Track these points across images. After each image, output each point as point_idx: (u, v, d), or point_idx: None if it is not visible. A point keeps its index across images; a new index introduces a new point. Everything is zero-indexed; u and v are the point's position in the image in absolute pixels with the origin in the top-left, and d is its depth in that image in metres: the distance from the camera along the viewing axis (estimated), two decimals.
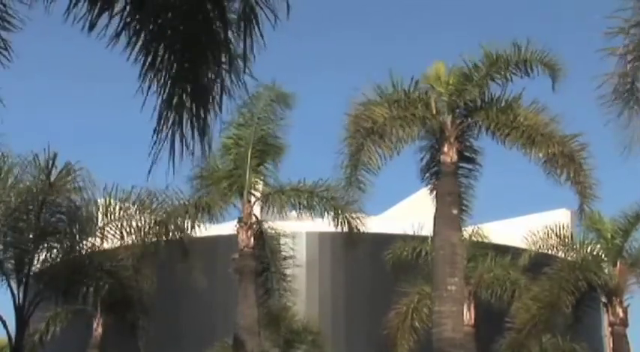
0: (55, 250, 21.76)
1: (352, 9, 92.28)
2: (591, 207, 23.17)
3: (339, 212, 25.62)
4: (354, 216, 25.66)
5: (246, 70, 7.04)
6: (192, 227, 25.34)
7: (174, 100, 7.27)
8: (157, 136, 7.16)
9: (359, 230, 25.74)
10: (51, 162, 21.35)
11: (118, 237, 22.68)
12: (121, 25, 6.95)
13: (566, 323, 28.14)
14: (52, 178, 21.26)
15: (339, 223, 25.78)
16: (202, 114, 7.31)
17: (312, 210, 26.11)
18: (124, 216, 22.64)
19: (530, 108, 22.26)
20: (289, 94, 26.23)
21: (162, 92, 7.24)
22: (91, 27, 6.89)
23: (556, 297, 26.46)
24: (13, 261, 21.42)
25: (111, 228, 22.56)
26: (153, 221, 23.30)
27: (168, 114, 7.25)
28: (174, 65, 7.21)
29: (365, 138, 21.73)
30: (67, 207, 21.65)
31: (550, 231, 28.51)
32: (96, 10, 6.88)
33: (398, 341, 29.86)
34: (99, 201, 22.48)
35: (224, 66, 7.22)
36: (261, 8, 6.91)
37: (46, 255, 21.77)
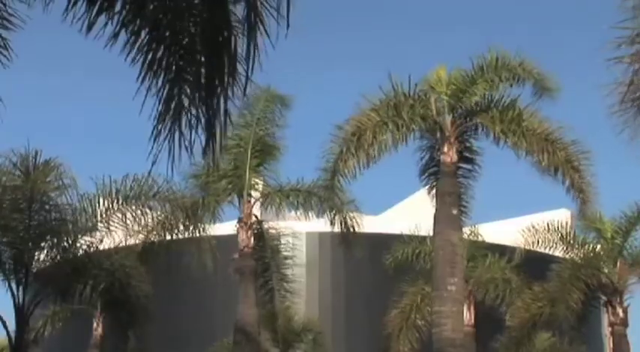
0: (53, 249, 21.73)
1: (353, 8, 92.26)
2: (590, 211, 23.35)
3: (336, 212, 25.68)
4: (350, 216, 25.72)
5: (249, 72, 6.98)
6: (192, 226, 25.36)
7: (174, 101, 7.26)
8: (156, 137, 7.15)
9: (354, 230, 25.81)
10: (33, 159, 21.34)
11: (116, 230, 22.58)
12: (119, 25, 6.94)
13: (571, 322, 28.09)
14: (34, 175, 21.24)
15: (336, 223, 25.84)
16: (202, 115, 7.29)
17: (310, 209, 26.16)
18: (119, 209, 22.54)
19: (532, 112, 22.25)
20: (285, 96, 26.34)
21: (161, 93, 7.23)
22: (90, 27, 6.88)
23: (565, 296, 26.44)
24: (12, 261, 21.40)
25: (110, 222, 22.47)
26: (151, 216, 23.27)
27: (167, 115, 7.23)
28: (173, 66, 7.20)
29: (346, 144, 21.80)
30: (56, 203, 21.64)
31: (551, 227, 28.49)
32: (94, 11, 6.87)
33: (401, 339, 29.82)
34: (91, 195, 22.41)
35: (224, 67, 7.20)
36: (267, 10, 6.84)
37: (44, 254, 21.74)
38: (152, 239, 24.67)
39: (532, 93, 21.90)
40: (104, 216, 22.38)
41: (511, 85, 22.11)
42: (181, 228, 24.83)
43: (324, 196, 25.47)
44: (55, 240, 21.70)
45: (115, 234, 22.93)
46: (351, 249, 26.93)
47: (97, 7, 6.85)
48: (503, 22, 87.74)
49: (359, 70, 79.66)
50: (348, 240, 26.27)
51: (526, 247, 29.00)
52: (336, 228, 26.04)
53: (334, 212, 25.71)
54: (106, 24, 6.89)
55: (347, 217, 25.75)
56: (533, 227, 28.73)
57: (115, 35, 6.93)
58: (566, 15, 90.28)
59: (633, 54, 12.64)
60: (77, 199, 21.97)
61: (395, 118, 21.74)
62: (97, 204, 22.37)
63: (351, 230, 25.83)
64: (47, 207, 21.50)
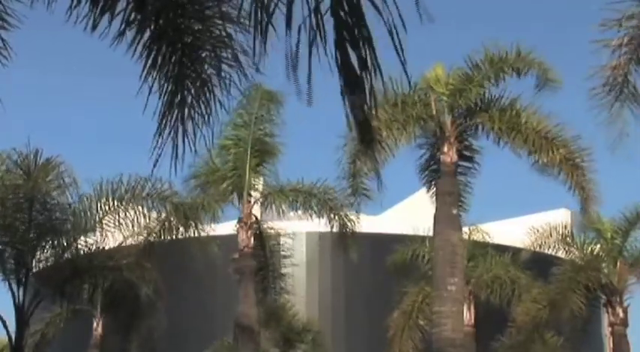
0: (54, 249, 21.73)
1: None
2: (593, 209, 23.31)
3: (335, 212, 25.71)
4: (350, 216, 25.74)
5: (255, 67, 6.86)
6: (192, 226, 25.36)
7: (177, 98, 7.27)
8: (159, 134, 7.16)
9: (353, 231, 25.85)
10: (33, 158, 21.36)
11: (115, 230, 22.58)
12: (124, 24, 6.95)
13: (572, 325, 28.05)
14: (35, 174, 21.27)
15: (335, 224, 25.89)
16: (205, 112, 7.30)
17: (310, 210, 26.18)
18: (114, 209, 22.52)
19: (532, 110, 22.21)
20: (276, 93, 25.92)
21: (164, 90, 7.24)
22: (94, 27, 6.89)
23: (567, 300, 26.42)
24: (12, 261, 21.41)
25: (104, 223, 22.46)
26: (150, 216, 23.29)
27: (171, 112, 7.24)
28: (177, 63, 7.21)
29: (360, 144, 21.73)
30: (57, 203, 21.66)
31: (551, 229, 28.49)
32: (98, 11, 6.88)
33: (404, 340, 29.73)
34: (92, 195, 22.42)
35: (226, 63, 7.20)
36: (275, 5, 6.73)
37: (45, 254, 21.75)
38: (152, 239, 24.67)
39: (534, 85, 21.70)
40: (100, 216, 22.38)
41: (517, 74, 21.85)
42: (181, 228, 24.83)
43: (324, 197, 25.53)
44: (56, 240, 21.71)
45: (115, 235, 22.93)
46: (347, 251, 27.01)
47: (100, 6, 6.86)
48: (503, 22, 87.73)
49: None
50: (345, 241, 26.35)
51: (527, 247, 29.03)
52: (335, 229, 26.10)
53: (334, 213, 25.75)
54: (111, 23, 6.90)
55: (346, 218, 25.79)
56: (535, 228, 28.76)
57: (121, 34, 6.94)
58: (566, 15, 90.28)
59: (620, 36, 12.63)
60: (77, 199, 22.01)
61: (404, 115, 21.77)
62: (93, 205, 22.37)
63: (349, 231, 25.89)
64: (48, 206, 21.52)
